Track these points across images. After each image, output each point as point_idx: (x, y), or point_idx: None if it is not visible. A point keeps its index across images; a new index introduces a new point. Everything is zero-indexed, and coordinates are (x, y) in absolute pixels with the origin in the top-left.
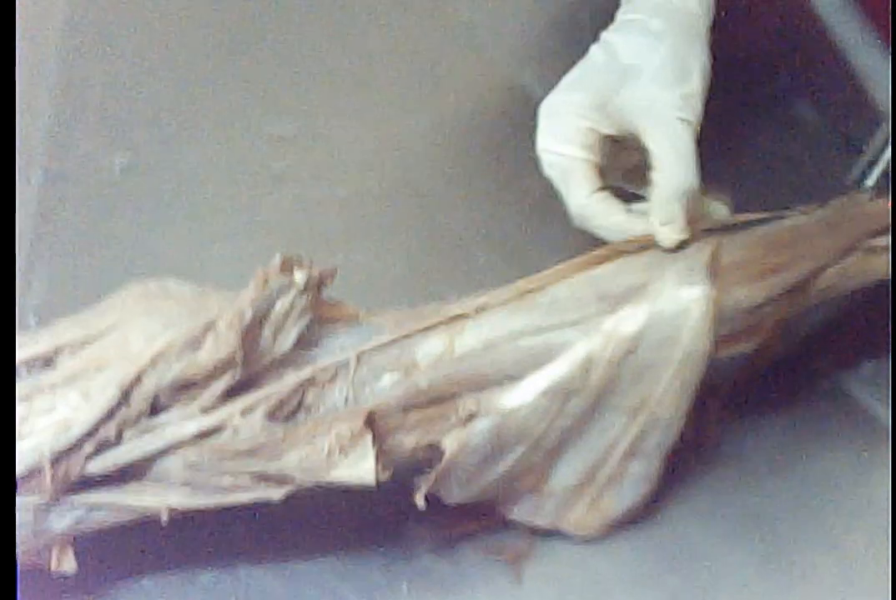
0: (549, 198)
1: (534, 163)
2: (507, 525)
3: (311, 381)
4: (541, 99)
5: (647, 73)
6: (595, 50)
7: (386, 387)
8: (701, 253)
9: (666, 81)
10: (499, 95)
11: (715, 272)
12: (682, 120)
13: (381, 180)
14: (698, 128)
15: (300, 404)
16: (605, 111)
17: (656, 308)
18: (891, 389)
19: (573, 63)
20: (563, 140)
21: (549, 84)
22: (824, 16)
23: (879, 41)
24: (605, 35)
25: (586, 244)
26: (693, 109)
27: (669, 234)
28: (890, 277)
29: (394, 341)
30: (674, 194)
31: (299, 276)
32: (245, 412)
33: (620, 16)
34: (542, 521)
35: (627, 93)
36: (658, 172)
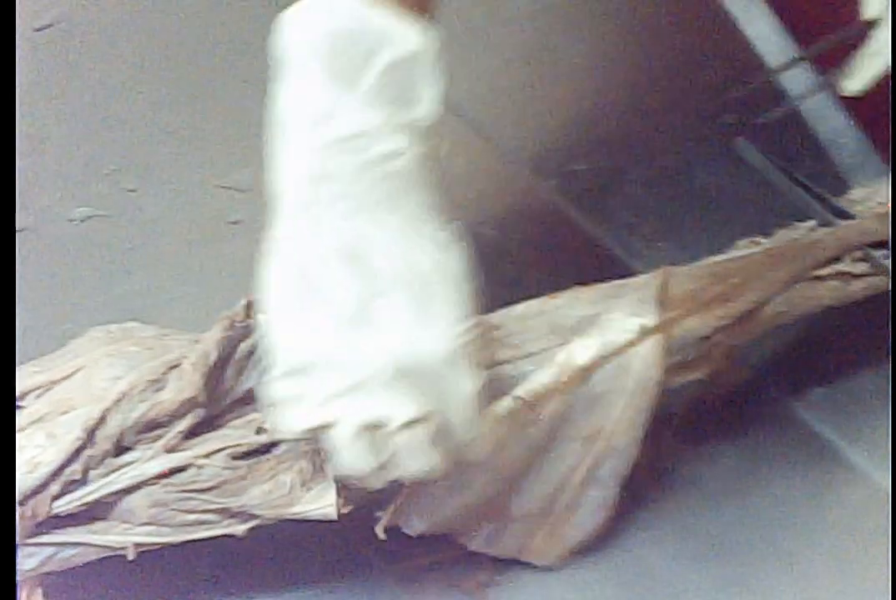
0: (502, 241)
1: (488, 209)
2: (468, 555)
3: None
4: (498, 136)
5: None
6: None
7: None
8: (650, 284)
9: None
10: (453, 134)
11: (664, 303)
12: None
13: None
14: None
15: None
16: None
17: (608, 338)
18: (890, 417)
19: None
20: None
21: (500, 118)
22: (764, 54)
23: (822, 80)
24: None
25: (539, 284)
26: None
27: None
28: (890, 285)
29: None
30: None
31: (262, 319)
32: (209, 453)
33: None
34: (502, 551)
35: None
36: None
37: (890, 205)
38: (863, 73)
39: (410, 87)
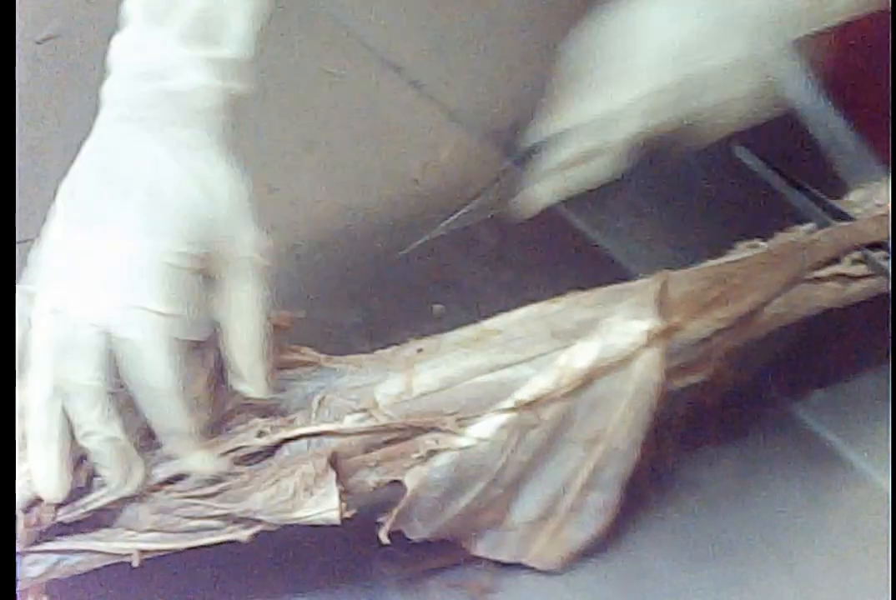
0: (501, 245)
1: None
2: (471, 559)
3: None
4: (495, 151)
5: None
6: None
7: (348, 427)
8: (650, 287)
9: None
10: (452, 148)
11: (664, 306)
12: None
13: (337, 234)
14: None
15: (265, 448)
16: None
17: (608, 342)
18: (891, 419)
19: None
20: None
21: (498, 123)
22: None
23: (816, 81)
24: None
25: (539, 289)
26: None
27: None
28: (890, 287)
29: (354, 383)
30: None
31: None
32: None
33: None
34: (505, 555)
35: None
36: None
37: (890, 206)
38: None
39: (221, 25)
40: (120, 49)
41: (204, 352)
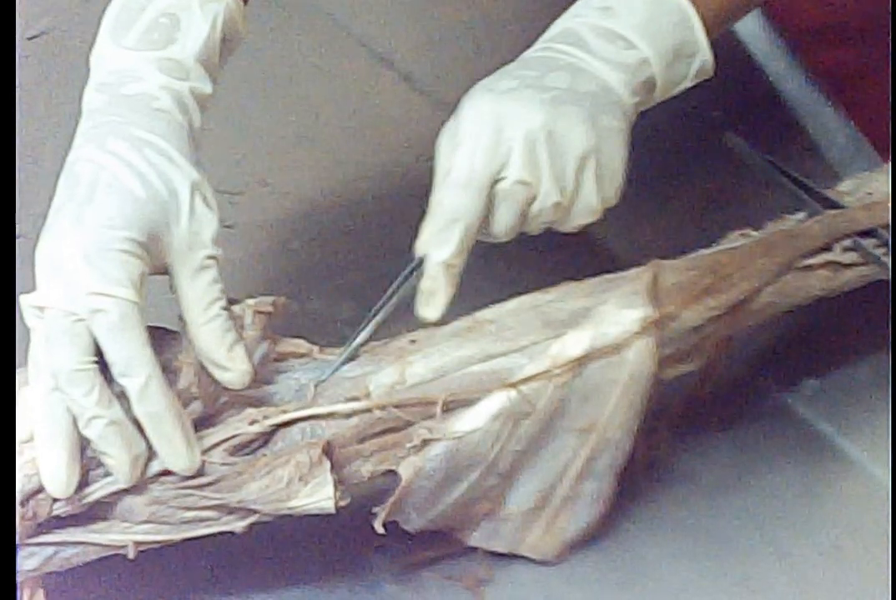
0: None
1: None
2: (466, 551)
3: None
4: None
5: None
6: None
7: (341, 417)
8: (642, 277)
9: None
10: None
11: (656, 295)
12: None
13: (330, 227)
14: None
15: (260, 439)
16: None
17: (600, 331)
18: (890, 411)
19: None
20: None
21: None
22: (752, 49)
23: (805, 70)
24: None
25: (531, 279)
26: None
27: None
28: (890, 279)
29: (348, 374)
30: None
31: (251, 302)
32: (206, 449)
33: None
34: (500, 546)
35: None
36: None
37: (890, 201)
38: (437, 299)
39: (178, 28)
40: (92, 62)
41: (186, 345)
